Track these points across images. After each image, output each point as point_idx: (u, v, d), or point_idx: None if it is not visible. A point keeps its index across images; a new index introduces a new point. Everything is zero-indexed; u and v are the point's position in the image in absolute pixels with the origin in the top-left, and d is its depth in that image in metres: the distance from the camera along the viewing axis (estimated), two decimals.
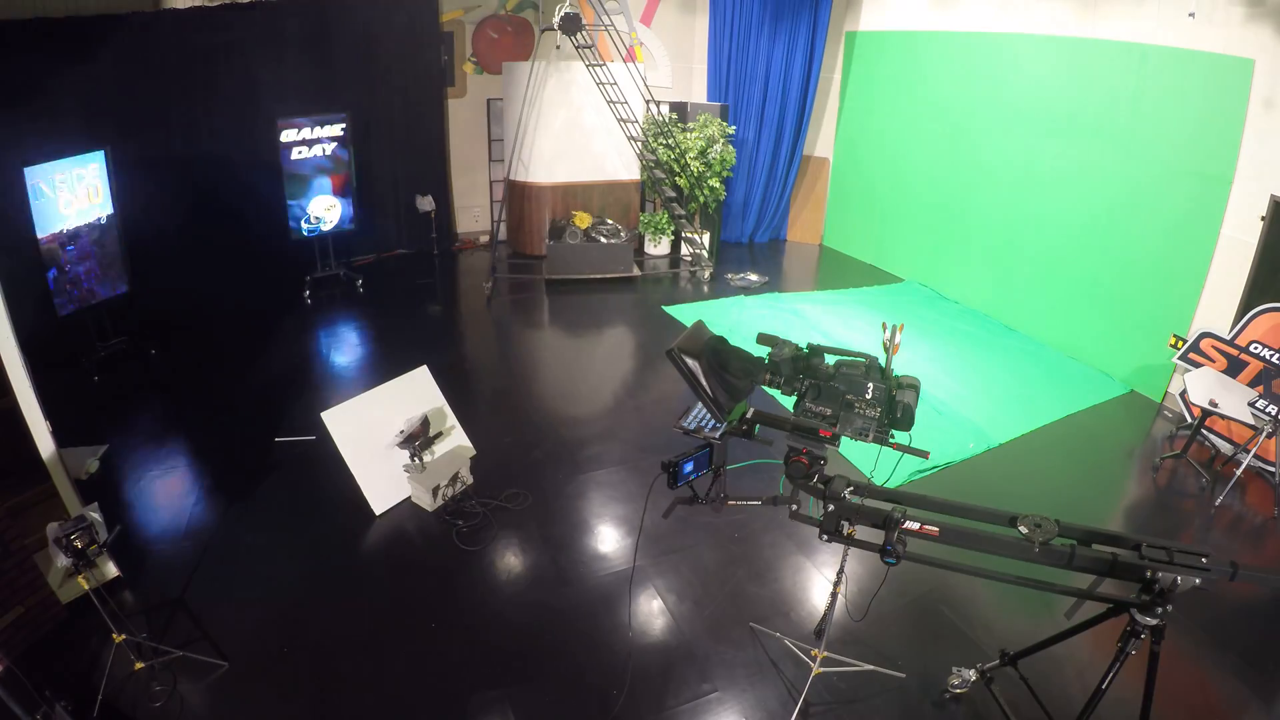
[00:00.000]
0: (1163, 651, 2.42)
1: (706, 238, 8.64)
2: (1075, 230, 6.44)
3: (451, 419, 4.61)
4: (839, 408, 2.07)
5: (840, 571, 2.90)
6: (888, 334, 2.20)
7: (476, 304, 7.55)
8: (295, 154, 6.93)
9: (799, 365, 2.08)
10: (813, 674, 3.06)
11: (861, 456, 4.91)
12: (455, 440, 4.57)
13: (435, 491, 4.18)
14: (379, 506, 4.17)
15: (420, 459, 4.22)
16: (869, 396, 2.04)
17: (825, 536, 2.34)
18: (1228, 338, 5.10)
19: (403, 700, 3.03)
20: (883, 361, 2.13)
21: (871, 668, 3.17)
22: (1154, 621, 2.22)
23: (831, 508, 2.27)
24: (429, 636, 3.36)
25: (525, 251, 8.83)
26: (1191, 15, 5.10)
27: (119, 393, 5.40)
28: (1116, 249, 6.09)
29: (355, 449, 4.19)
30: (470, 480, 4.41)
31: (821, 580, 3.82)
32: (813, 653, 3.12)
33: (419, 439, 4.20)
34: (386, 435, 4.22)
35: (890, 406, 2.01)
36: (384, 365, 5.80)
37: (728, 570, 3.85)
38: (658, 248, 9.09)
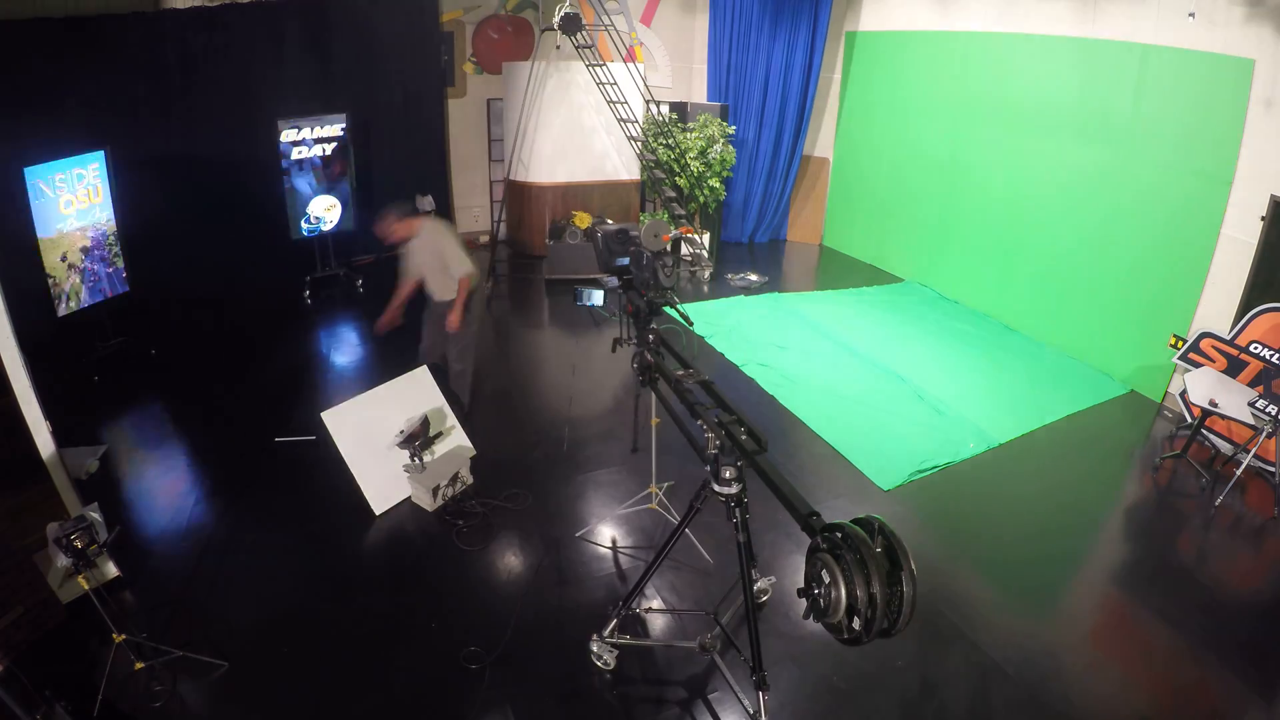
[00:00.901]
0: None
1: (706, 238, 8.64)
2: (1075, 230, 6.44)
3: (451, 419, 4.62)
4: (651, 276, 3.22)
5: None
6: (675, 231, 3.06)
7: (476, 304, 7.53)
8: (295, 154, 6.94)
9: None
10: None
11: (863, 457, 4.92)
12: (455, 440, 4.57)
13: (435, 491, 4.18)
14: (379, 506, 4.17)
15: (420, 459, 4.22)
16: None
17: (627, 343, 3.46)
18: (1228, 338, 5.10)
19: (403, 700, 3.03)
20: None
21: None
22: (729, 490, 2.67)
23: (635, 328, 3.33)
24: (429, 636, 3.36)
25: (525, 251, 8.83)
26: (1191, 15, 5.10)
27: (119, 393, 5.40)
28: (1116, 249, 6.09)
29: (355, 449, 4.20)
30: (470, 480, 4.42)
31: None
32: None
33: (419, 439, 4.20)
34: (386, 435, 4.23)
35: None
36: (384, 365, 5.80)
37: (728, 570, 3.84)
38: None
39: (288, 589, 3.62)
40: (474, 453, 4.52)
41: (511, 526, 4.12)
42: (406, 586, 3.67)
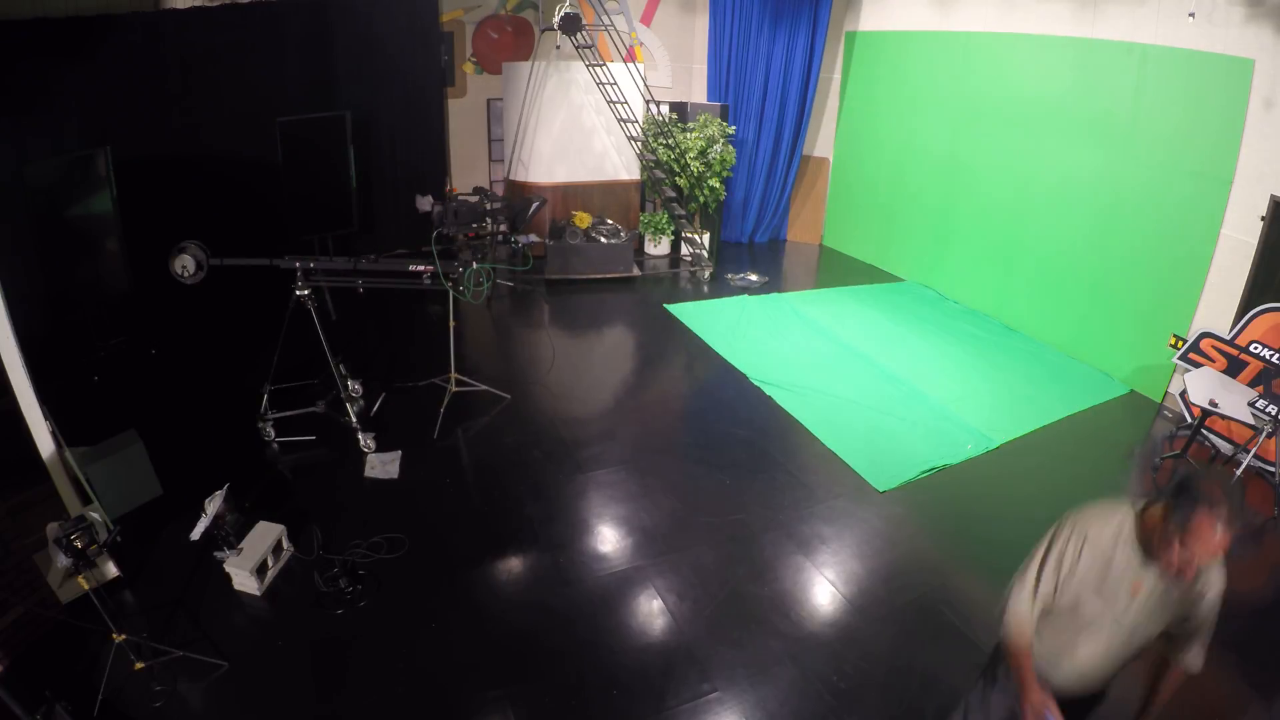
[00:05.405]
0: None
1: (706, 238, 8.64)
2: (1075, 230, 6.44)
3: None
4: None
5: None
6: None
7: (476, 304, 7.54)
8: None
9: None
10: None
11: (861, 458, 4.93)
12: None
13: (261, 570, 3.61)
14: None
15: (232, 540, 3.60)
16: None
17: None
18: (1228, 338, 5.10)
19: (403, 700, 3.03)
20: None
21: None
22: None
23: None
24: (429, 636, 3.36)
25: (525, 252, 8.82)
26: (1191, 15, 5.10)
27: (119, 393, 5.40)
28: (1117, 249, 6.09)
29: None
30: (292, 548, 3.86)
31: (821, 580, 3.82)
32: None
33: (225, 517, 3.59)
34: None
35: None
36: (384, 365, 5.80)
37: (728, 570, 3.85)
38: (658, 248, 9.09)
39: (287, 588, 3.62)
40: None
41: (508, 528, 4.11)
42: (406, 587, 3.67)
